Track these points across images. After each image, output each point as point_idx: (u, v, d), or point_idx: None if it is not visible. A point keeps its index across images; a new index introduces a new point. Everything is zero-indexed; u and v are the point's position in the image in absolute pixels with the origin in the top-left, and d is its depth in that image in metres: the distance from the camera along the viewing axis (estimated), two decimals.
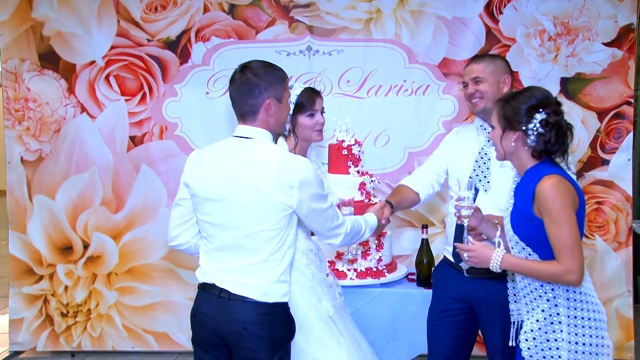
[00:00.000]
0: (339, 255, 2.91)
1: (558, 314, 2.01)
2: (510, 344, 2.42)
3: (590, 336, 1.99)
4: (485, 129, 2.63)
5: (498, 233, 2.18)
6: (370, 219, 2.43)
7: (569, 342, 1.99)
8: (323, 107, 2.63)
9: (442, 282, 2.73)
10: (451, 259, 2.67)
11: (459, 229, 2.36)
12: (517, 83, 3.37)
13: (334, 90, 3.76)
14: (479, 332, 2.74)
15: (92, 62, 3.83)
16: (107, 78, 3.83)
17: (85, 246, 3.91)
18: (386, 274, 2.97)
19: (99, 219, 3.89)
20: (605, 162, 3.68)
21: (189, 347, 3.67)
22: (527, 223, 2.01)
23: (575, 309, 2.01)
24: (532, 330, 2.04)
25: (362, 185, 2.88)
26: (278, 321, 2.05)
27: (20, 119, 3.87)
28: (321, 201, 2.08)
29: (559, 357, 1.98)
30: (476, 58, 2.70)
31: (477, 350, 2.82)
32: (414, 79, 3.72)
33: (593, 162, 3.68)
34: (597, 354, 1.99)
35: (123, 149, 3.85)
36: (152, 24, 3.80)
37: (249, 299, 2.02)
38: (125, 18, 3.80)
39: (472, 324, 2.67)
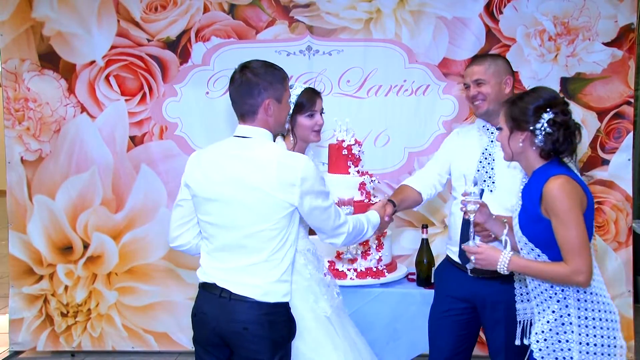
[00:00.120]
0: (339, 255, 2.91)
1: (569, 314, 2.00)
2: (517, 342, 2.44)
3: (602, 336, 1.99)
4: (487, 129, 2.63)
5: (505, 231, 2.18)
6: (372, 217, 2.41)
7: (580, 343, 1.98)
8: (322, 108, 2.63)
9: (444, 282, 2.73)
10: (455, 258, 2.66)
11: (466, 225, 2.36)
12: (517, 83, 3.36)
13: (334, 90, 3.76)
14: (480, 333, 2.75)
15: (92, 62, 3.83)
16: (107, 78, 3.83)
17: (85, 246, 3.91)
18: (386, 274, 2.97)
19: (99, 219, 3.89)
20: (605, 162, 3.68)
21: (189, 347, 3.70)
22: (536, 224, 2.01)
23: (585, 309, 2.00)
24: (542, 332, 2.04)
25: (362, 185, 2.88)
26: (279, 321, 2.05)
27: (20, 119, 3.87)
28: (323, 199, 2.07)
29: (571, 357, 1.98)
30: (477, 59, 2.69)
31: (477, 350, 2.82)
32: (414, 79, 3.72)
33: (593, 162, 3.68)
34: (609, 355, 1.98)
35: (123, 149, 3.85)
36: (152, 24, 3.80)
37: (249, 299, 2.02)
38: (125, 18, 3.80)
39: (475, 323, 2.67)
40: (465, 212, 2.22)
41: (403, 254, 3.72)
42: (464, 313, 2.64)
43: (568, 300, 2.01)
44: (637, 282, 4.53)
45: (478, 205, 2.20)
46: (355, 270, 2.91)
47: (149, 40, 3.81)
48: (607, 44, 3.63)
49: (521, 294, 2.48)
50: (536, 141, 2.02)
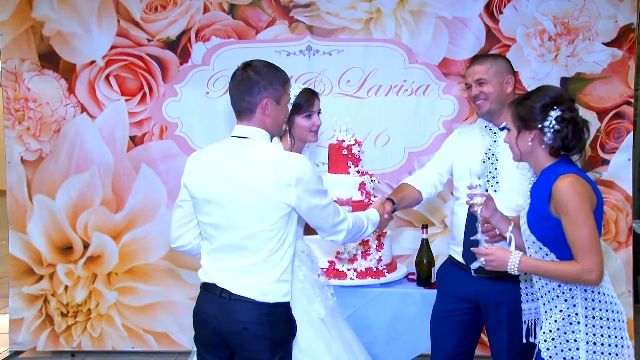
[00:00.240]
0: (339, 255, 2.91)
1: (576, 314, 2.00)
2: (524, 341, 2.45)
3: (609, 336, 1.99)
4: (490, 130, 2.63)
5: (510, 228, 2.19)
6: (372, 214, 2.40)
7: (587, 342, 1.98)
8: (320, 109, 2.63)
9: (447, 282, 2.73)
10: (458, 258, 2.66)
11: (471, 219, 2.36)
12: (517, 83, 3.35)
13: (334, 90, 3.76)
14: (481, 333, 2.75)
15: (92, 62, 3.83)
16: (107, 78, 3.83)
17: (85, 246, 3.91)
18: (386, 274, 2.97)
19: (99, 219, 3.89)
20: (605, 162, 3.68)
21: (189, 347, 3.70)
22: (544, 223, 2.01)
23: (593, 309, 2.00)
24: (550, 331, 2.04)
25: (362, 185, 2.88)
26: (279, 321, 2.05)
27: (20, 119, 3.87)
28: (321, 197, 2.07)
29: (579, 357, 1.98)
30: (479, 59, 2.69)
31: (478, 351, 2.81)
32: (414, 79, 3.72)
33: (593, 162, 3.68)
34: (617, 355, 1.98)
35: (123, 149, 3.85)
36: (152, 24, 3.80)
37: (249, 299, 2.02)
38: (125, 18, 3.80)
39: (477, 323, 2.67)
40: (471, 205, 2.22)
41: (403, 254, 3.73)
42: (466, 313, 2.64)
43: (576, 299, 2.01)
44: (637, 282, 4.53)
45: (484, 198, 2.20)
46: (355, 270, 2.91)
47: (149, 40, 3.81)
48: (607, 44, 3.63)
49: (527, 294, 2.48)
50: (545, 139, 2.02)
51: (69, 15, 3.80)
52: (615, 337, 1.99)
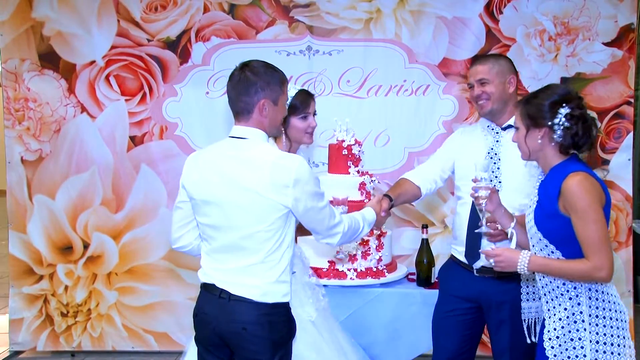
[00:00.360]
0: (336, 255, 2.91)
1: (581, 312, 2.01)
2: (528, 341, 2.46)
3: (612, 335, 1.99)
4: (492, 129, 2.63)
5: (513, 224, 2.20)
6: (368, 214, 2.40)
7: (590, 341, 1.99)
8: (315, 110, 2.63)
9: (449, 282, 2.73)
10: (460, 258, 2.66)
11: (474, 213, 2.36)
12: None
13: (334, 90, 3.76)
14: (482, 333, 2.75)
15: (92, 62, 3.83)
16: (107, 78, 3.83)
17: (85, 246, 3.91)
18: (386, 274, 2.97)
19: (99, 219, 3.89)
20: (605, 162, 3.68)
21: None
22: (552, 220, 2.02)
23: (597, 307, 2.01)
24: (555, 329, 2.04)
25: (362, 185, 2.88)
26: (278, 321, 2.05)
27: (20, 119, 3.87)
28: (317, 199, 2.07)
29: (584, 355, 1.98)
30: (481, 59, 2.69)
31: (478, 351, 2.81)
32: (414, 79, 3.73)
33: (593, 162, 3.68)
34: (619, 354, 1.99)
35: (123, 149, 3.85)
36: (152, 24, 3.80)
37: (248, 299, 2.02)
38: (125, 18, 3.80)
39: (479, 323, 2.67)
40: (476, 198, 2.23)
41: (403, 254, 3.72)
42: (468, 313, 2.64)
43: (580, 297, 2.02)
44: (637, 282, 4.53)
45: (489, 191, 2.21)
46: (355, 270, 2.91)
47: (149, 40, 3.81)
48: (607, 44, 3.63)
49: (527, 293, 2.49)
50: (555, 137, 2.02)
51: (69, 15, 3.80)
52: (618, 336, 2.00)
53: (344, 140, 2.93)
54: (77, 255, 3.92)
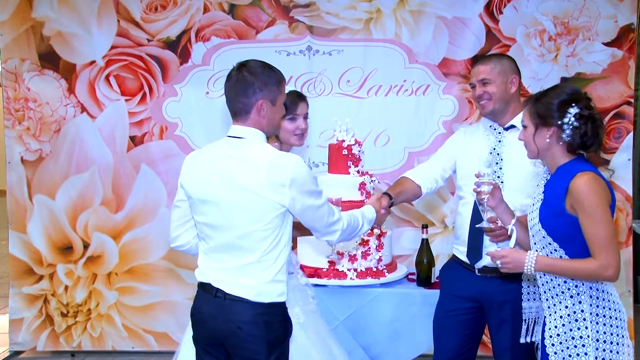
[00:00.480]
0: (339, 255, 2.91)
1: (582, 310, 2.02)
2: (521, 340, 2.46)
3: (612, 334, 2.01)
4: (495, 129, 2.62)
5: (513, 221, 2.21)
6: (367, 212, 2.39)
7: (592, 339, 1.99)
8: (307, 113, 2.61)
9: (450, 281, 2.72)
10: (462, 258, 2.66)
11: (476, 213, 2.37)
12: None
13: (334, 90, 3.76)
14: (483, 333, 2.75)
15: (92, 62, 3.84)
16: (107, 78, 3.83)
17: (85, 246, 3.92)
18: (386, 274, 2.97)
19: (99, 219, 3.89)
20: (605, 162, 3.68)
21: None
22: (558, 219, 2.02)
23: (597, 306, 2.02)
24: (556, 327, 2.05)
25: (362, 185, 2.88)
26: (274, 321, 2.05)
27: (20, 119, 3.88)
28: (315, 198, 2.06)
29: (585, 354, 1.99)
30: (483, 58, 2.69)
31: (479, 351, 2.81)
32: (414, 79, 3.73)
33: (593, 162, 3.67)
34: (617, 352, 2.00)
35: (123, 149, 3.85)
36: (152, 24, 3.80)
37: (244, 299, 2.02)
38: (125, 18, 3.80)
39: (480, 323, 2.67)
40: (478, 193, 2.24)
41: (403, 254, 3.72)
42: (469, 312, 2.64)
43: (581, 296, 2.03)
44: (637, 282, 4.53)
45: (491, 187, 2.22)
46: (355, 270, 2.91)
47: (149, 40, 3.81)
48: (607, 44, 3.63)
49: (528, 293, 2.49)
50: (563, 136, 2.03)
51: (69, 15, 3.80)
52: (618, 335, 2.01)
53: (344, 140, 2.93)
54: (77, 255, 3.93)
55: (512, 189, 2.50)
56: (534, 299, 2.48)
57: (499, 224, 2.30)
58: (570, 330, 2.02)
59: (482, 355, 3.14)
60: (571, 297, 2.04)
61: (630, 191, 3.70)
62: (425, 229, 3.07)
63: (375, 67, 3.73)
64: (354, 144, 2.92)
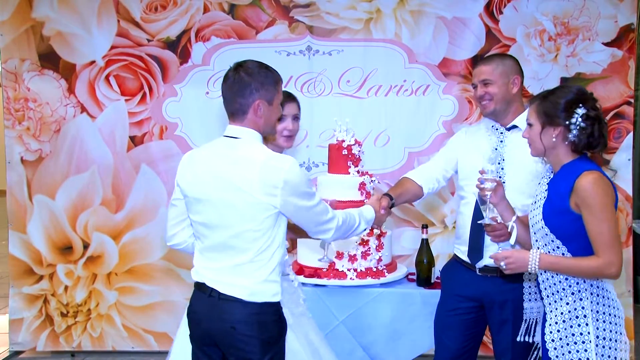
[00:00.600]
0: (339, 255, 2.91)
1: (583, 307, 2.04)
2: (518, 339, 2.47)
3: (611, 331, 2.03)
4: (497, 129, 2.62)
5: (514, 218, 2.24)
6: (366, 211, 2.39)
7: (593, 336, 2.01)
8: (297, 114, 2.55)
9: (451, 281, 2.73)
10: (463, 257, 2.66)
11: (478, 213, 2.38)
12: None
13: (334, 90, 3.76)
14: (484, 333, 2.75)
15: (92, 62, 3.84)
16: (107, 78, 3.83)
17: (85, 246, 3.92)
18: (386, 274, 2.97)
19: (99, 219, 3.89)
20: (605, 162, 3.68)
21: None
22: (562, 216, 2.04)
23: (597, 303, 2.04)
24: (557, 323, 2.07)
25: (362, 185, 2.88)
26: (268, 321, 2.05)
27: (20, 119, 3.88)
28: (308, 199, 2.06)
29: (585, 350, 2.01)
30: (485, 59, 2.68)
31: (479, 351, 2.81)
32: (414, 79, 3.72)
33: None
34: (616, 349, 2.03)
35: (123, 149, 3.85)
36: (152, 24, 3.80)
37: (237, 298, 2.02)
38: (125, 18, 3.80)
39: (481, 322, 2.67)
40: (481, 190, 2.25)
41: (403, 254, 3.72)
42: (471, 312, 2.64)
43: (582, 293, 2.05)
44: (637, 282, 4.53)
45: (495, 184, 2.23)
46: (355, 270, 2.91)
47: (149, 40, 3.81)
48: (607, 44, 3.63)
49: (529, 293, 2.49)
50: (570, 136, 2.05)
51: (69, 15, 3.80)
52: (617, 332, 2.04)
53: (344, 140, 2.93)
54: (77, 255, 3.93)
55: (513, 189, 2.50)
56: (535, 299, 2.48)
57: (498, 220, 2.31)
58: (571, 327, 2.04)
59: (483, 355, 3.14)
60: (572, 294, 2.05)
61: (630, 191, 3.70)
62: (425, 229, 3.08)
63: (375, 67, 3.73)
64: (353, 144, 2.92)
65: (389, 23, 3.71)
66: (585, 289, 2.05)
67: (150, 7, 3.80)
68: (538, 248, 2.11)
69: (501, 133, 2.61)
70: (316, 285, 2.91)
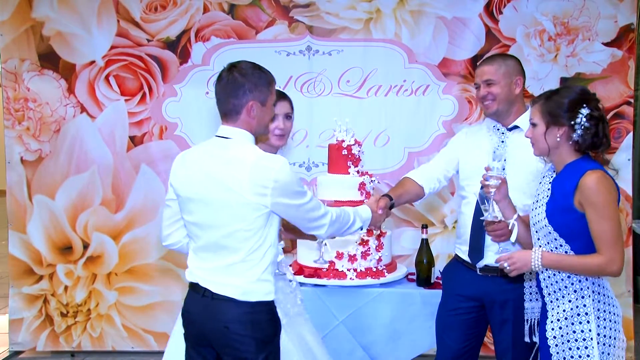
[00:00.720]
0: (339, 255, 2.91)
1: (584, 305, 2.06)
2: (526, 339, 2.48)
3: (611, 329, 2.06)
4: (498, 130, 2.62)
5: (515, 216, 2.26)
6: (362, 210, 2.39)
7: (595, 334, 2.03)
8: (289, 113, 2.51)
9: (452, 281, 2.73)
10: (464, 257, 2.66)
11: (479, 213, 2.38)
12: None
13: (334, 90, 3.76)
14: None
15: (92, 62, 3.84)
16: (107, 78, 3.84)
17: (85, 246, 3.92)
18: (386, 274, 2.97)
19: (98, 219, 3.89)
20: (605, 162, 3.68)
21: None
22: (565, 214, 2.06)
23: (599, 302, 2.07)
24: (558, 320, 2.09)
25: (362, 185, 2.88)
26: (262, 320, 2.05)
27: (20, 119, 3.87)
28: (299, 198, 2.06)
29: (585, 347, 2.03)
30: (488, 59, 2.68)
31: (480, 351, 2.81)
32: (414, 79, 3.72)
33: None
34: (615, 347, 2.06)
35: (123, 149, 3.85)
36: (152, 24, 3.80)
37: (230, 298, 2.02)
38: (125, 18, 3.80)
39: (482, 322, 2.67)
40: (485, 186, 2.26)
41: (403, 254, 3.72)
42: (472, 312, 2.64)
43: (584, 291, 2.07)
44: (637, 282, 4.53)
45: (499, 181, 2.25)
46: (355, 270, 2.91)
47: (148, 40, 3.81)
48: (607, 44, 3.63)
49: (530, 293, 2.49)
50: (574, 136, 2.07)
51: (69, 15, 3.80)
52: (616, 330, 2.07)
53: (343, 140, 2.93)
54: (77, 255, 3.93)
55: (514, 188, 2.50)
56: (537, 299, 2.48)
57: (498, 218, 2.32)
58: (572, 324, 2.06)
59: (483, 355, 3.13)
60: (575, 292, 2.08)
61: (630, 191, 3.70)
62: (425, 229, 3.08)
63: (375, 67, 3.73)
64: (353, 144, 2.92)
65: (389, 23, 3.71)
66: (587, 287, 2.07)
67: (150, 7, 3.80)
68: (540, 246, 2.13)
69: (502, 133, 2.61)
70: (316, 285, 2.91)
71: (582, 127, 2.05)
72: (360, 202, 2.78)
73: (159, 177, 3.85)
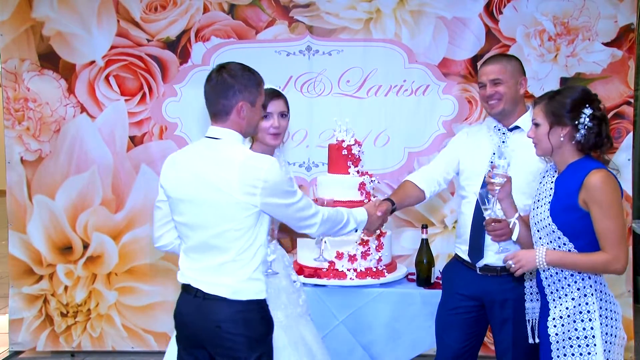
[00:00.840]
0: (339, 255, 2.91)
1: (587, 303, 2.08)
2: (530, 341, 2.48)
3: (612, 327, 2.08)
4: (499, 130, 2.62)
5: (516, 215, 2.28)
6: (357, 212, 2.38)
7: (597, 331, 2.05)
8: (284, 112, 2.46)
9: (453, 280, 2.73)
10: (464, 257, 2.66)
11: (479, 213, 2.39)
12: None
13: (334, 90, 3.76)
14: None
15: (92, 62, 3.84)
16: (107, 78, 3.84)
17: (85, 246, 3.92)
18: (386, 274, 2.97)
19: (98, 219, 3.89)
20: (606, 162, 3.66)
21: None
22: (570, 213, 2.07)
23: (601, 300, 2.09)
24: (561, 317, 2.11)
25: (362, 185, 2.88)
26: (253, 319, 2.05)
27: (20, 119, 3.88)
28: (289, 197, 2.06)
29: (587, 345, 2.05)
30: (493, 58, 2.67)
31: (480, 352, 2.81)
32: (414, 79, 3.72)
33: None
34: (616, 344, 2.08)
35: (123, 149, 3.86)
36: (152, 24, 3.80)
37: (221, 297, 2.03)
38: (125, 18, 3.80)
39: (482, 322, 2.67)
40: (490, 184, 2.28)
41: (403, 254, 3.72)
42: (472, 311, 2.64)
43: (587, 289, 2.09)
44: (637, 282, 4.53)
45: (504, 179, 2.27)
46: (355, 270, 2.91)
47: (148, 40, 3.81)
48: (607, 44, 3.63)
49: (531, 293, 2.49)
50: (577, 136, 2.09)
51: (69, 15, 3.80)
52: (616, 327, 2.09)
53: (343, 140, 2.93)
54: (77, 255, 3.93)
55: (515, 189, 2.49)
56: (537, 299, 2.48)
57: (500, 217, 2.34)
58: (574, 322, 2.08)
59: (483, 355, 3.13)
60: (578, 289, 2.09)
61: (630, 191, 3.71)
62: (425, 229, 3.08)
63: (375, 67, 3.73)
64: (353, 144, 2.92)
65: (389, 23, 3.71)
66: (590, 285, 2.08)
67: (150, 7, 3.80)
68: (542, 245, 2.14)
69: (503, 134, 2.61)
70: (316, 285, 2.91)
71: (585, 127, 2.07)
72: (361, 202, 2.78)
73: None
